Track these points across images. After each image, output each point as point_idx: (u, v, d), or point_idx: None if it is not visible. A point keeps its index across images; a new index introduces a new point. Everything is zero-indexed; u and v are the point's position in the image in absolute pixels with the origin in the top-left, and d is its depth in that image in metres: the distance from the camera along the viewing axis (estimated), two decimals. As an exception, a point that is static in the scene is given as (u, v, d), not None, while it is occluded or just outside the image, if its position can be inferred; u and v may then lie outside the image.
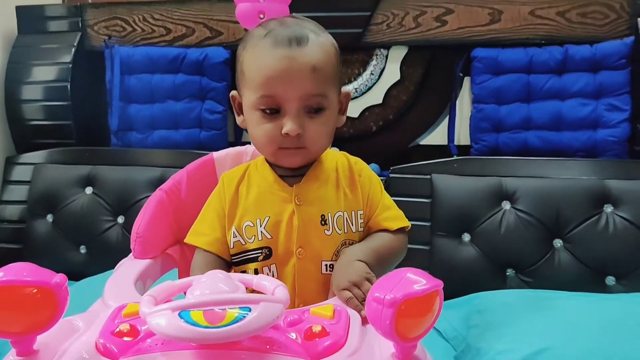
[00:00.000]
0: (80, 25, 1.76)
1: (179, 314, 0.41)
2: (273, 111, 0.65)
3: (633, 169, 1.36)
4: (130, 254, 0.76)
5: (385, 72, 1.62)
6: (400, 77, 1.62)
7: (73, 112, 1.72)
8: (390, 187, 1.49)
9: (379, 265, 0.66)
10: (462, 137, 1.59)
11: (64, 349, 0.46)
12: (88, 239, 1.57)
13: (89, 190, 1.61)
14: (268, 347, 0.44)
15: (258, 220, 0.68)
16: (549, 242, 1.33)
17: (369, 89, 1.63)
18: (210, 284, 0.46)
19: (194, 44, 1.68)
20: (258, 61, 0.65)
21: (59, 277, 0.44)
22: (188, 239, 0.72)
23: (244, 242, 0.69)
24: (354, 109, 1.64)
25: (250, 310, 0.41)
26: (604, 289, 1.29)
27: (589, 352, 0.93)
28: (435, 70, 1.60)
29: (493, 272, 1.35)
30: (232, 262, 0.71)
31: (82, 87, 1.74)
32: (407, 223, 0.75)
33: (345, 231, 0.69)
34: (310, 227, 0.67)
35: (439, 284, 0.44)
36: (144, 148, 1.69)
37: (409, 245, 1.39)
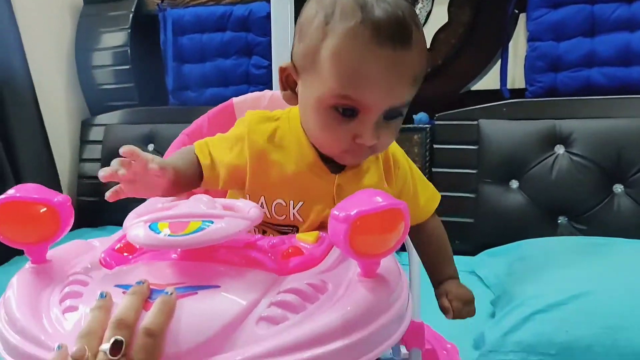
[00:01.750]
0: (136, -9, 1.84)
1: (149, 226, 0.45)
2: (348, 113, 0.55)
3: None
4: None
5: (432, 15, 1.54)
6: (449, 19, 1.53)
7: (134, 75, 1.84)
8: (436, 135, 1.45)
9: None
10: (517, 79, 1.49)
11: (75, 262, 0.53)
12: (151, 192, 1.69)
13: (150, 147, 1.73)
14: (241, 261, 0.47)
15: (291, 202, 0.61)
16: (607, 187, 1.24)
17: (416, 33, 1.56)
18: (191, 204, 0.50)
19: (239, 0, 1.70)
20: (348, 53, 0.52)
21: (62, 197, 0.50)
22: (197, 148, 0.63)
23: (269, 216, 0.62)
24: (401, 56, 1.58)
25: (212, 223, 0.45)
26: (669, 236, 1.18)
27: (631, 297, 0.87)
28: (486, 9, 1.50)
29: (543, 220, 1.28)
30: None
31: (140, 50, 1.85)
32: (439, 198, 0.72)
33: None
34: None
35: (399, 203, 0.43)
36: (198, 106, 1.76)
37: (455, 194, 1.37)
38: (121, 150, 0.50)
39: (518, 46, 1.49)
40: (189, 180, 0.61)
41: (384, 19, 0.51)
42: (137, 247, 0.51)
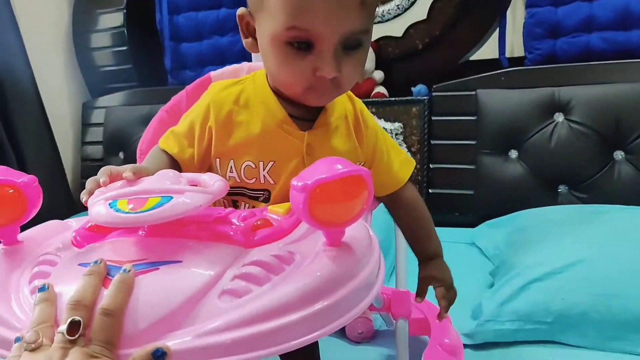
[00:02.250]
0: (130, -30, 1.82)
1: (109, 203, 0.45)
2: (303, 46, 0.54)
3: None
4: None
5: (428, -16, 1.50)
6: (446, -13, 1.49)
7: (132, 56, 1.83)
8: (434, 107, 1.43)
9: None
10: (516, 48, 1.46)
11: (48, 243, 0.53)
12: (152, 172, 1.70)
13: (150, 128, 1.73)
14: (206, 235, 0.47)
15: (261, 163, 0.60)
16: (608, 154, 1.22)
17: (412, 4, 1.53)
18: (155, 180, 0.49)
19: (233, -24, 1.68)
20: None
21: (27, 178, 0.50)
22: (161, 142, 0.64)
23: (239, 180, 0.62)
24: (398, 27, 1.56)
25: (171, 198, 0.44)
26: (671, 203, 1.16)
27: (629, 265, 0.87)
28: (483, -24, 1.46)
29: (543, 189, 1.27)
30: None
31: (137, 31, 1.84)
32: (413, 164, 0.71)
33: None
34: None
35: (360, 169, 0.42)
36: (196, 85, 1.76)
37: (455, 166, 1.36)
38: (97, 177, 0.51)
39: (516, 13, 1.45)
40: None
41: None
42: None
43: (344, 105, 0.65)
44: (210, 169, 0.64)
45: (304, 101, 0.59)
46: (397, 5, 1.54)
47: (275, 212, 0.52)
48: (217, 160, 0.63)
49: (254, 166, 0.60)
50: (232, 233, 0.48)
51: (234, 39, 1.69)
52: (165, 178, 0.50)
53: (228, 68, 0.85)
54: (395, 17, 1.55)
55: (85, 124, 1.93)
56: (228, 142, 0.61)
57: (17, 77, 1.65)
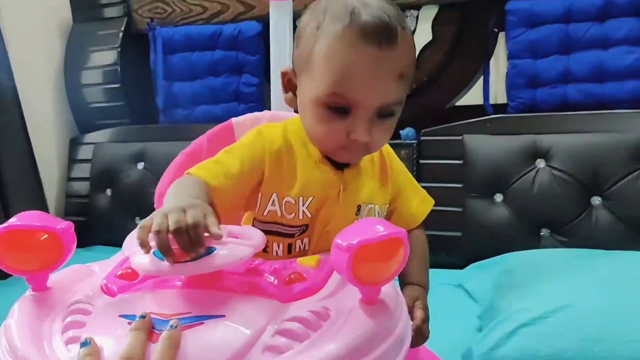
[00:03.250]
0: (125, 10, 1.86)
1: (153, 252, 0.46)
2: (341, 111, 0.59)
3: (683, 120, 1.27)
4: (155, 213, 0.84)
5: (417, 33, 1.59)
6: (433, 37, 1.58)
7: (124, 93, 1.85)
8: (422, 150, 1.49)
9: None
10: (499, 95, 1.54)
11: (76, 289, 0.53)
12: (142, 210, 1.70)
13: (140, 165, 1.75)
14: (246, 289, 0.49)
15: (301, 199, 0.63)
16: (586, 200, 1.29)
17: (401, 52, 1.60)
18: None
19: (229, 19, 1.74)
20: (337, 53, 0.57)
21: (65, 224, 0.50)
22: (193, 170, 0.63)
23: (279, 214, 0.64)
24: (387, 73, 1.63)
25: (215, 249, 0.46)
26: (646, 246, 1.23)
27: (612, 310, 0.91)
28: (468, 28, 1.55)
29: (527, 233, 1.33)
30: (258, 226, 0.67)
31: (131, 69, 1.86)
32: (432, 203, 0.75)
33: None
34: (346, 216, 0.65)
35: (400, 231, 0.45)
36: (188, 123, 1.78)
37: (443, 208, 1.40)
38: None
39: (499, 63, 1.54)
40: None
41: (369, 21, 0.56)
42: (140, 273, 0.53)
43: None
44: (247, 203, 0.66)
45: (333, 157, 0.64)
46: (386, 53, 1.61)
47: (306, 264, 0.54)
48: (261, 194, 0.65)
49: (294, 202, 0.64)
50: (269, 287, 0.50)
51: (228, 80, 1.73)
52: None
53: (249, 115, 0.88)
54: (384, 63, 1.62)
55: (72, 160, 1.92)
56: (275, 179, 0.64)
57: (4, 110, 1.65)
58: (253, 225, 0.67)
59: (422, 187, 0.73)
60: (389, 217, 0.72)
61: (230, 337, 0.42)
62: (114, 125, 1.89)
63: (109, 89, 1.87)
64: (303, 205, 0.63)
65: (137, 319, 0.43)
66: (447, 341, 0.89)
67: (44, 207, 1.76)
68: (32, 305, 0.50)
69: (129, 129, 1.85)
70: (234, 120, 0.89)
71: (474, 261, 1.33)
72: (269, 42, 1.22)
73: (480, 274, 1.25)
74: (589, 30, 1.38)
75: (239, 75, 1.73)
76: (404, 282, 0.70)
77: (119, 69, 1.84)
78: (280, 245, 0.65)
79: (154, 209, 1.79)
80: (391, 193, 0.71)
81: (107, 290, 0.52)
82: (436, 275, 1.13)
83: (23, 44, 1.77)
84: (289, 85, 0.66)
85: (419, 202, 0.74)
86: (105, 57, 1.87)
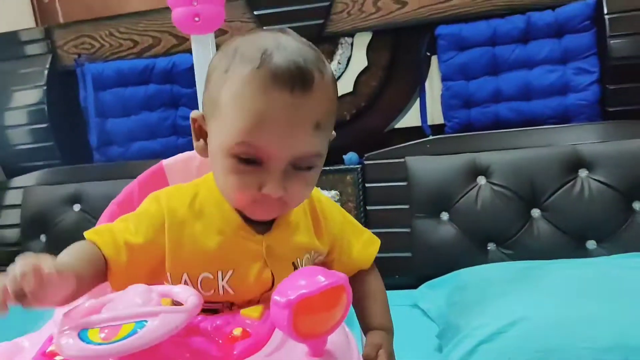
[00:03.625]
0: (49, 47, 1.78)
1: (78, 334, 0.42)
2: (252, 162, 0.53)
3: (605, 131, 1.35)
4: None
5: (353, 60, 1.62)
6: (368, 63, 1.62)
7: (54, 133, 1.75)
8: (366, 174, 1.50)
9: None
10: (436, 116, 1.59)
11: None
12: (80, 255, 1.60)
13: (76, 207, 1.65)
14: (188, 355, 0.46)
15: (220, 273, 0.57)
16: (526, 212, 1.34)
17: (339, 78, 1.63)
18: (126, 299, 0.46)
19: (161, 53, 1.70)
20: (245, 99, 0.51)
21: None
22: (88, 234, 0.57)
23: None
24: (326, 100, 1.64)
25: (145, 323, 0.42)
26: (585, 253, 1.29)
27: (562, 319, 0.94)
28: (401, 53, 1.60)
29: (474, 248, 1.36)
30: None
31: (59, 107, 1.77)
32: (378, 243, 0.71)
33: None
34: (283, 277, 0.55)
35: (340, 278, 0.44)
36: (125, 160, 1.71)
37: (391, 230, 1.41)
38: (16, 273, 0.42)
39: (433, 85, 1.59)
40: (91, 281, 0.53)
41: (281, 65, 0.50)
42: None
43: (302, 204, 0.63)
44: (151, 280, 0.56)
45: (249, 214, 0.58)
46: (325, 79, 1.63)
47: (248, 316, 0.52)
48: (169, 273, 0.58)
49: (212, 277, 0.57)
50: (211, 350, 0.47)
51: (165, 114, 1.68)
52: (136, 294, 0.47)
53: (180, 156, 0.83)
54: (323, 90, 1.63)
55: (-1, 206, 1.79)
56: (182, 255, 0.57)
57: None
58: None
59: (370, 210, 0.73)
60: (328, 267, 0.65)
61: None
62: (43, 167, 1.78)
63: (36, 129, 1.76)
64: (222, 280, 0.57)
65: None
66: (407, 362, 0.89)
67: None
68: None
69: (61, 170, 1.75)
70: (164, 162, 0.83)
71: (426, 280, 1.35)
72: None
73: (434, 293, 1.27)
74: (514, 52, 1.45)
75: (176, 108, 1.68)
76: (367, 328, 0.67)
77: (45, 108, 1.74)
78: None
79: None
80: (328, 243, 0.65)
81: None
82: (390, 297, 1.13)
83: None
84: (200, 132, 0.59)
85: (362, 246, 0.69)
86: (30, 96, 1.77)
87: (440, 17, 1.51)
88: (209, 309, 0.57)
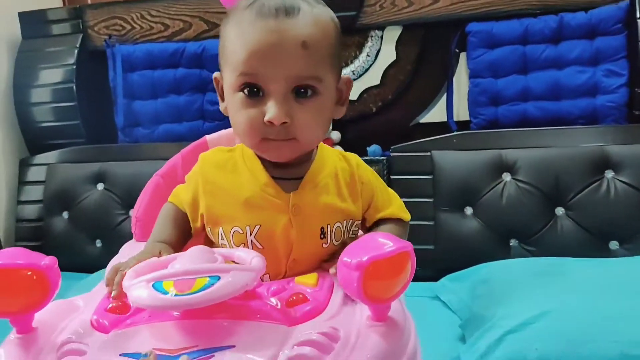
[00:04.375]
0: (81, 26, 1.79)
1: (152, 285, 0.43)
2: (255, 93, 0.56)
3: (632, 133, 1.36)
4: (133, 239, 0.80)
5: (381, 53, 1.63)
6: (397, 57, 1.62)
7: (80, 112, 1.77)
8: (392, 167, 1.51)
9: None
10: (462, 112, 1.60)
11: (62, 327, 0.49)
12: (102, 232, 1.62)
13: (100, 186, 1.66)
14: (248, 315, 0.47)
15: (248, 228, 0.60)
16: (550, 210, 1.34)
17: (366, 70, 1.64)
18: (190, 257, 0.48)
19: (191, 37, 1.71)
20: (239, 34, 0.56)
21: (49, 259, 0.47)
22: (171, 196, 0.67)
23: (229, 247, 0.61)
24: (353, 91, 1.61)
25: (219, 278, 0.43)
26: (607, 253, 1.30)
27: (589, 313, 0.95)
28: (430, 48, 1.60)
29: (497, 243, 1.37)
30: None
31: (87, 87, 1.78)
32: (408, 215, 0.72)
33: (342, 241, 0.63)
34: (308, 241, 0.61)
35: (407, 245, 0.45)
36: (150, 142, 1.73)
37: (414, 222, 1.42)
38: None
39: (460, 82, 1.60)
40: (183, 240, 0.65)
41: (268, 1, 0.56)
42: (131, 305, 0.49)
43: (335, 164, 0.65)
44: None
45: (263, 154, 0.61)
46: (352, 71, 1.64)
47: (305, 283, 0.53)
48: (209, 228, 0.63)
49: (241, 231, 0.60)
50: (272, 312, 0.47)
51: (192, 98, 1.69)
52: (199, 254, 0.49)
53: (224, 132, 0.86)
54: (350, 82, 1.65)
55: (22, 182, 1.80)
56: (215, 208, 0.62)
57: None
58: None
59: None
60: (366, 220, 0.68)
61: None
62: (67, 145, 1.79)
63: (63, 107, 1.78)
64: (251, 235, 0.60)
65: (142, 358, 0.40)
66: (432, 352, 0.90)
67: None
68: (19, 350, 0.46)
69: (86, 149, 1.76)
70: (208, 137, 0.87)
71: (447, 273, 1.35)
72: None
73: (456, 285, 1.27)
74: (544, 51, 1.46)
75: (203, 93, 1.69)
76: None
77: (74, 86, 1.75)
78: None
79: (115, 231, 1.70)
80: (363, 208, 0.66)
81: (98, 326, 0.48)
82: (411, 288, 1.14)
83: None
84: (222, 92, 0.63)
85: (399, 207, 0.70)
86: (58, 74, 1.78)
87: (471, 14, 1.51)
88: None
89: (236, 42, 0.57)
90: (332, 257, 0.62)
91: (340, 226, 0.63)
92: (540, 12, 1.47)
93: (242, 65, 0.56)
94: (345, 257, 0.44)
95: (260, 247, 0.59)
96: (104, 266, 1.48)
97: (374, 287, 0.43)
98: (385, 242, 0.44)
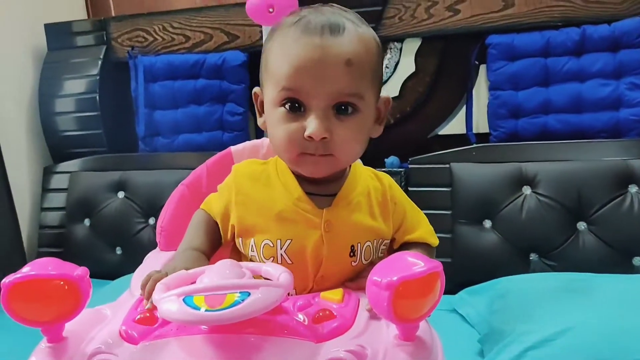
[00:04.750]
0: (105, 38, 1.84)
1: (183, 299, 0.44)
2: (296, 109, 0.57)
3: (657, 148, 1.33)
4: (157, 248, 0.81)
5: (400, 65, 1.63)
6: (416, 68, 1.63)
7: (103, 122, 1.81)
8: (410, 178, 1.51)
9: None
10: (481, 125, 1.59)
11: (91, 336, 0.50)
12: (123, 240, 1.65)
13: (121, 194, 1.69)
14: (275, 330, 0.47)
15: (279, 242, 0.60)
16: (572, 225, 1.32)
17: (385, 82, 1.64)
18: (218, 271, 0.49)
19: (212, 49, 1.73)
20: (283, 50, 0.57)
21: (81, 270, 0.48)
22: (203, 203, 0.69)
23: (258, 260, 0.62)
24: (371, 103, 1.66)
25: (249, 294, 0.44)
26: (630, 269, 1.27)
27: (613, 331, 0.93)
28: (450, 60, 1.60)
29: (516, 257, 1.35)
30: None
31: (109, 97, 1.82)
32: (437, 241, 0.72)
33: (371, 260, 0.64)
34: (338, 258, 0.61)
35: (437, 265, 0.45)
36: (169, 152, 1.75)
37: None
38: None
39: (480, 94, 1.59)
40: (214, 248, 0.66)
41: (315, 18, 0.57)
42: (158, 317, 0.50)
43: (367, 182, 0.66)
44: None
45: (299, 169, 0.61)
46: (371, 83, 1.64)
47: (330, 299, 0.53)
48: (240, 239, 0.64)
49: (272, 245, 0.61)
50: (299, 327, 0.48)
51: (212, 108, 1.71)
52: (226, 268, 0.49)
53: (248, 143, 0.87)
54: (369, 93, 1.65)
55: (45, 190, 1.84)
56: (247, 220, 0.63)
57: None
58: None
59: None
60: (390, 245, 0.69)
61: None
62: (90, 153, 1.83)
63: (86, 117, 1.82)
64: (281, 249, 0.60)
65: None
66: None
67: (18, 238, 1.68)
68: (50, 359, 0.47)
69: (107, 158, 1.80)
70: (232, 148, 0.88)
71: (465, 286, 1.34)
72: (253, 72, 1.22)
73: (475, 299, 1.26)
74: (566, 64, 1.45)
75: (223, 104, 1.71)
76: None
77: (97, 97, 1.79)
78: None
79: (135, 238, 1.72)
80: (394, 228, 0.67)
81: (127, 337, 0.49)
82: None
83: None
84: (262, 107, 0.65)
85: (429, 232, 0.71)
86: (82, 84, 1.82)
87: (492, 27, 1.51)
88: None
89: (280, 58, 0.58)
90: (356, 275, 0.62)
91: (370, 245, 0.64)
92: (562, 24, 1.46)
93: (285, 81, 0.57)
94: (375, 277, 0.44)
95: (289, 262, 0.60)
96: (124, 273, 1.51)
97: (403, 307, 0.43)
98: (415, 261, 0.44)
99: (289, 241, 0.60)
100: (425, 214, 1.46)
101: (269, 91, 0.60)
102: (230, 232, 0.65)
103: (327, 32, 0.56)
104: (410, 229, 0.69)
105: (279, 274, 0.49)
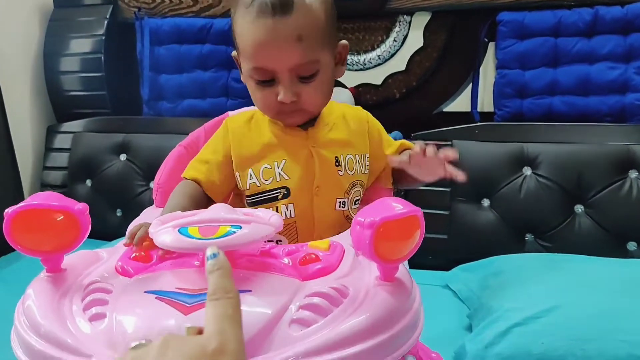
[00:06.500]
0: (111, -2, 1.82)
1: (178, 230, 0.47)
2: (266, 81, 0.68)
3: (661, 134, 1.32)
4: (154, 204, 0.83)
5: (409, 39, 1.61)
6: (424, 43, 1.61)
7: (107, 83, 1.80)
8: (411, 153, 1.50)
9: None
10: (486, 103, 1.57)
11: (88, 272, 0.53)
12: (123, 202, 1.66)
13: (123, 157, 1.70)
14: (264, 268, 0.50)
15: (275, 163, 0.71)
16: (569, 207, 1.32)
17: (392, 55, 1.63)
18: (213, 212, 0.51)
19: (220, 14, 1.72)
20: (245, 31, 0.66)
21: (81, 205, 0.50)
22: (187, 174, 0.74)
23: (259, 184, 0.72)
24: (378, 76, 1.65)
25: (241, 227, 0.47)
26: (625, 254, 1.27)
27: (599, 311, 0.93)
28: (458, 36, 1.58)
29: (512, 237, 1.35)
30: (247, 201, 0.75)
31: (114, 58, 1.82)
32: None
33: (355, 172, 0.75)
34: (326, 168, 0.72)
35: (417, 209, 0.47)
36: (173, 117, 1.75)
37: (430, 211, 1.42)
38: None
39: (487, 73, 1.57)
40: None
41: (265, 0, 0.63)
42: (154, 256, 0.53)
43: (342, 110, 0.79)
44: (235, 189, 0.76)
45: (280, 122, 0.73)
46: (378, 55, 1.63)
47: (317, 247, 0.55)
48: (238, 173, 0.73)
49: (269, 167, 0.72)
50: (285, 268, 0.51)
51: (217, 74, 1.71)
52: (221, 211, 0.52)
53: (245, 109, 0.90)
54: (375, 66, 1.64)
55: (48, 149, 1.86)
56: (244, 152, 0.73)
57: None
58: (245, 204, 0.75)
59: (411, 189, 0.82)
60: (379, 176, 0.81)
61: (260, 310, 0.43)
62: (93, 114, 1.83)
63: (91, 78, 1.82)
64: (278, 168, 0.71)
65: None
66: (438, 338, 0.90)
67: (20, 195, 1.70)
68: (48, 286, 0.49)
69: (111, 120, 1.80)
70: (230, 113, 0.92)
71: (459, 263, 1.35)
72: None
73: (467, 275, 1.27)
74: (576, 45, 1.42)
75: (229, 70, 1.70)
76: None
77: (102, 57, 1.79)
78: None
79: (136, 201, 1.75)
80: (370, 144, 0.78)
81: (122, 272, 0.52)
82: (422, 276, 1.14)
83: (1, 28, 1.70)
84: (242, 67, 0.73)
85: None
86: (87, 44, 1.82)
87: (503, 3, 1.48)
88: (271, 197, 0.72)
89: (244, 39, 0.67)
90: (344, 188, 0.75)
91: (352, 158, 0.75)
92: (575, 4, 1.43)
93: (253, 61, 0.66)
94: (358, 217, 0.46)
95: (286, 177, 0.71)
96: (123, 235, 1.53)
97: (383, 247, 0.45)
98: (397, 205, 0.47)
99: (284, 161, 0.72)
100: (422, 189, 1.47)
101: (243, 63, 0.70)
102: (225, 171, 0.74)
103: (278, 11, 0.63)
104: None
105: (270, 215, 0.52)
